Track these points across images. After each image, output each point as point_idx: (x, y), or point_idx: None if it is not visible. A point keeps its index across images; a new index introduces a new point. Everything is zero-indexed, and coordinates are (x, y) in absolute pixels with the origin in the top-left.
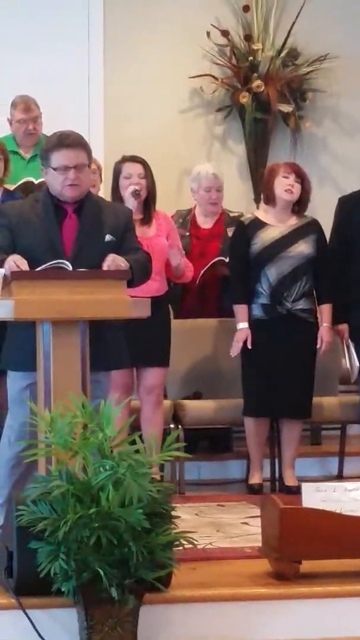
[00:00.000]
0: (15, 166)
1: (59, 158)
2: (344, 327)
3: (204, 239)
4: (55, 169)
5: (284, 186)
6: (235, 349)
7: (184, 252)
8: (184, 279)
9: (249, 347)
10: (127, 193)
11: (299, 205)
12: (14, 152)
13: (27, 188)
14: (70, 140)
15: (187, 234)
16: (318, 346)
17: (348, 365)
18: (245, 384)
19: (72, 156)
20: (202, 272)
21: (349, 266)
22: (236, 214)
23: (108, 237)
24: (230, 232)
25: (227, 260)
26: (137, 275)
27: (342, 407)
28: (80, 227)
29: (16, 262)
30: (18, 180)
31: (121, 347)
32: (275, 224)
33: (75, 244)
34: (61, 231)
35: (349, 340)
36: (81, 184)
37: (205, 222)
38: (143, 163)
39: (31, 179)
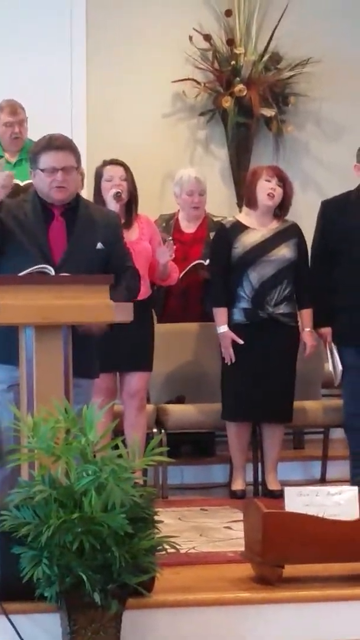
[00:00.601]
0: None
1: (47, 160)
2: (327, 331)
3: (187, 244)
4: (43, 171)
5: (266, 190)
6: (228, 356)
7: (173, 246)
8: (169, 281)
9: (240, 342)
10: (108, 196)
11: (281, 209)
12: None
13: (14, 190)
14: (59, 143)
15: (170, 238)
16: (302, 350)
17: (331, 369)
18: (225, 388)
19: (60, 158)
20: (182, 274)
21: (332, 270)
22: (220, 219)
23: (99, 246)
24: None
25: (206, 263)
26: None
27: (324, 411)
28: (73, 232)
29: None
30: None
31: (95, 355)
32: (257, 228)
33: (67, 248)
34: (48, 233)
35: (332, 344)
36: (68, 187)
37: (188, 227)
38: (124, 166)
39: (17, 181)
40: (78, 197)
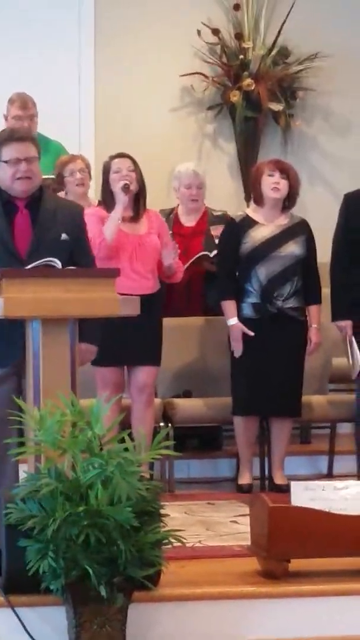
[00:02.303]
0: None
1: (9, 151)
2: (347, 324)
3: (187, 237)
4: (6, 162)
5: (270, 185)
6: (238, 349)
7: (178, 250)
8: (174, 279)
9: (251, 334)
10: (117, 188)
11: (288, 200)
12: None
13: None
14: (20, 134)
15: (170, 232)
16: (308, 347)
17: (350, 362)
18: (234, 382)
19: (22, 149)
20: (186, 266)
21: (353, 262)
22: (219, 213)
23: (63, 236)
24: (213, 230)
25: (211, 255)
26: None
27: (332, 405)
28: (36, 224)
29: None
30: None
31: None
32: (266, 223)
33: (32, 241)
34: (13, 227)
35: (352, 337)
36: (33, 177)
37: (188, 220)
38: (131, 158)
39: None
40: (42, 188)
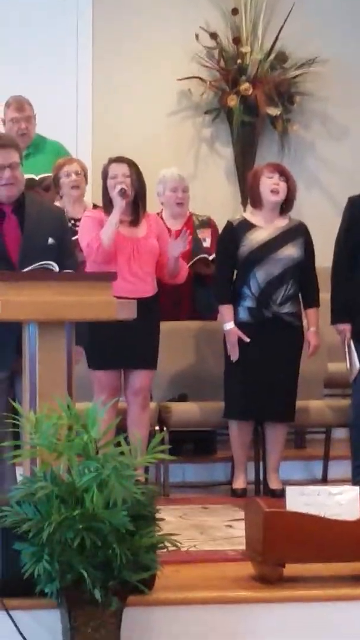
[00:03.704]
0: None
1: None
2: (346, 327)
3: None
4: None
5: (270, 186)
6: (234, 354)
7: (188, 236)
8: (178, 279)
9: (246, 340)
10: (114, 193)
11: (285, 204)
12: None
13: (28, 184)
14: (2, 141)
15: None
16: (306, 350)
17: (348, 366)
18: (228, 386)
19: (5, 155)
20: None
21: (356, 266)
22: (204, 217)
23: (50, 241)
24: (200, 233)
25: (210, 258)
26: None
27: (327, 410)
28: (24, 229)
29: None
30: None
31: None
32: (264, 226)
33: (22, 247)
34: (2, 233)
35: (350, 340)
36: (17, 183)
37: (174, 224)
38: (129, 163)
39: (32, 175)
40: (23, 193)
